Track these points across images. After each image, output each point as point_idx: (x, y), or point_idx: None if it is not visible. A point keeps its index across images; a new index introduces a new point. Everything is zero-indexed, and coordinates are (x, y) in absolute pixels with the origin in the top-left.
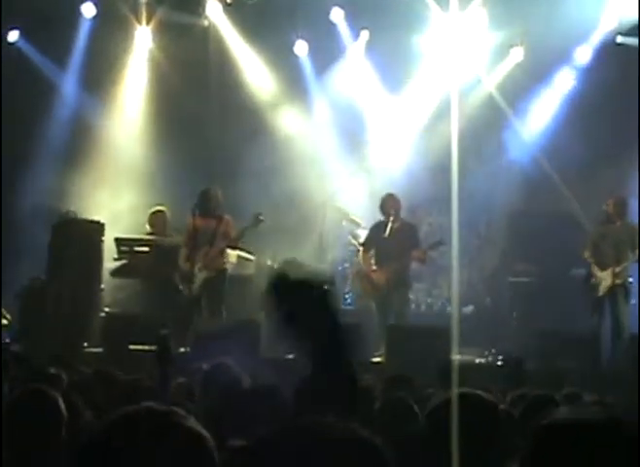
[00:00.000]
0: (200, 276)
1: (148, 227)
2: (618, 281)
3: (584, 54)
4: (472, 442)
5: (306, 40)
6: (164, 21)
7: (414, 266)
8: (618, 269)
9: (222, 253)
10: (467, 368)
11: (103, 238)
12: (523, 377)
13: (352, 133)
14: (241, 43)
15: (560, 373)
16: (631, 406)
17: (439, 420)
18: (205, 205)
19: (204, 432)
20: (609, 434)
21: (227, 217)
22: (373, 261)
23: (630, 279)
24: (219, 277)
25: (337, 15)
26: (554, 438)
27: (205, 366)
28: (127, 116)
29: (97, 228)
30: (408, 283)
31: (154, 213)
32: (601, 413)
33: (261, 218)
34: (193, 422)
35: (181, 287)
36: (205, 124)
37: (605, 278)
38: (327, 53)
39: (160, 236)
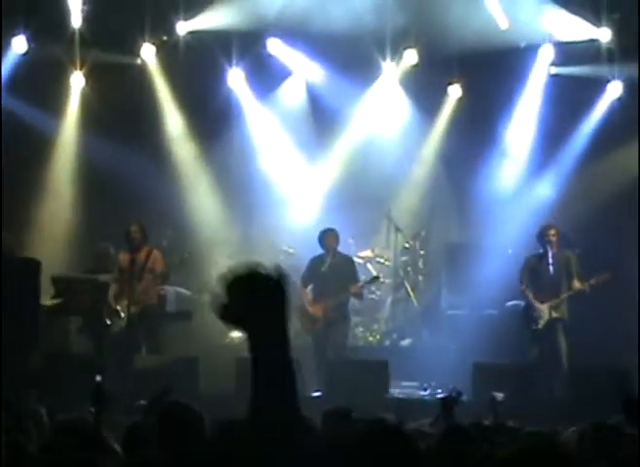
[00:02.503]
0: (128, 312)
1: (93, 263)
2: (555, 315)
3: (524, 86)
4: None
5: (243, 70)
6: (98, 62)
7: (352, 300)
8: (555, 303)
9: (150, 288)
10: (407, 401)
11: (40, 277)
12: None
13: (290, 162)
14: (174, 79)
15: (496, 405)
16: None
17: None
18: (130, 241)
19: None
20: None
21: (156, 251)
22: (310, 296)
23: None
24: (147, 312)
25: (274, 45)
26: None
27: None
28: (62, 157)
29: (34, 265)
30: (347, 318)
31: (99, 250)
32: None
33: (187, 254)
34: None
35: (109, 323)
36: (139, 161)
37: (543, 312)
38: (264, 83)
39: (102, 273)
